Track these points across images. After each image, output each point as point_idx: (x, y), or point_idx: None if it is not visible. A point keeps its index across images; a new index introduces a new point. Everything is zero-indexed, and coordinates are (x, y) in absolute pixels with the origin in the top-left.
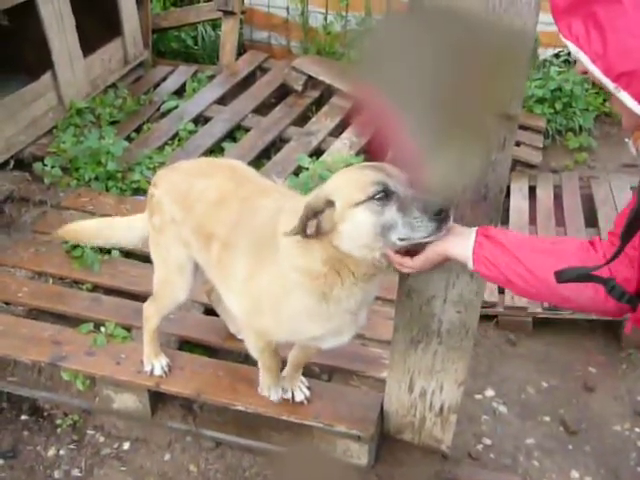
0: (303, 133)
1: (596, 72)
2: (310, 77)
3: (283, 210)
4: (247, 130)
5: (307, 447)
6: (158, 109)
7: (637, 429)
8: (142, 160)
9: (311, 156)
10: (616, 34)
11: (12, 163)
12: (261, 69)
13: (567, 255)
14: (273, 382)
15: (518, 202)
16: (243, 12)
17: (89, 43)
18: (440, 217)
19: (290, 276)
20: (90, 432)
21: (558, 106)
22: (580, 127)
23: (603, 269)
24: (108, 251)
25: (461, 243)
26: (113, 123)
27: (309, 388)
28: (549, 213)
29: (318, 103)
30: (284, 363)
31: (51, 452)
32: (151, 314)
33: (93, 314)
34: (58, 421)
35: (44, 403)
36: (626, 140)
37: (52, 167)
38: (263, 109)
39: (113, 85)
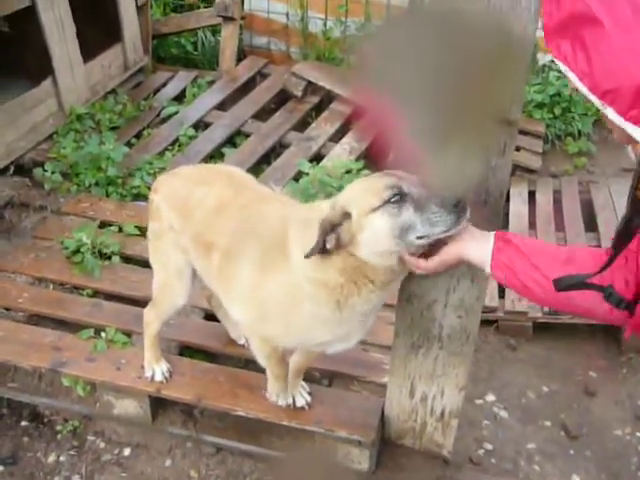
0: (303, 138)
1: (584, 90)
2: (310, 82)
3: (290, 219)
4: (247, 135)
5: (308, 453)
6: (158, 115)
7: (638, 433)
8: (142, 166)
9: (311, 161)
10: (600, 55)
11: (12, 169)
12: (261, 75)
13: (583, 263)
14: (281, 389)
15: (518, 207)
16: (243, 18)
17: (89, 49)
18: (458, 209)
19: (303, 286)
20: (90, 438)
21: (557, 111)
22: (579, 132)
23: (605, 276)
24: (108, 257)
25: (478, 246)
26: (113, 129)
27: (310, 393)
28: (549, 218)
29: (318, 108)
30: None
31: (51, 458)
32: (151, 319)
33: (93, 320)
34: (58, 427)
35: (44, 409)
36: (625, 145)
37: (52, 173)
38: (263, 114)
39: (113, 91)
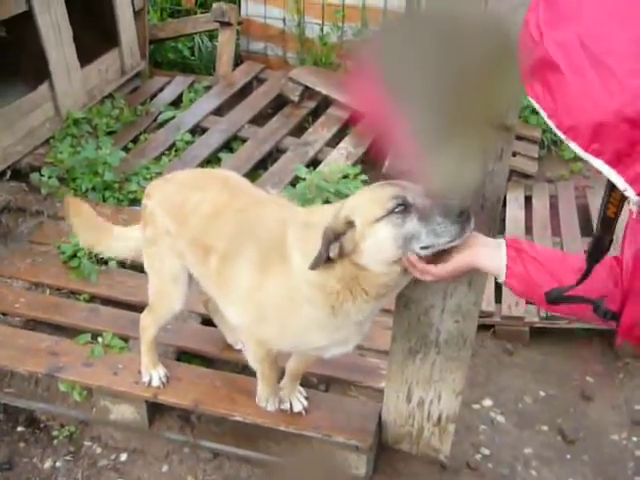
0: (300, 143)
1: (552, 125)
2: (307, 88)
3: (289, 222)
4: (244, 141)
5: (305, 458)
6: (155, 119)
7: (634, 438)
8: (139, 170)
9: (308, 166)
10: (561, 97)
11: (9, 173)
12: (258, 80)
13: (597, 272)
14: (271, 393)
15: (514, 212)
16: (240, 23)
17: (86, 54)
18: (462, 218)
19: (301, 289)
20: (87, 443)
21: None
22: None
23: (596, 289)
24: (105, 262)
25: (491, 255)
26: (110, 133)
27: (307, 398)
28: (545, 222)
29: (315, 114)
30: (282, 373)
31: (47, 464)
32: (148, 324)
33: (90, 325)
34: (55, 432)
35: (41, 414)
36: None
37: (49, 177)
38: (260, 120)
39: (110, 95)
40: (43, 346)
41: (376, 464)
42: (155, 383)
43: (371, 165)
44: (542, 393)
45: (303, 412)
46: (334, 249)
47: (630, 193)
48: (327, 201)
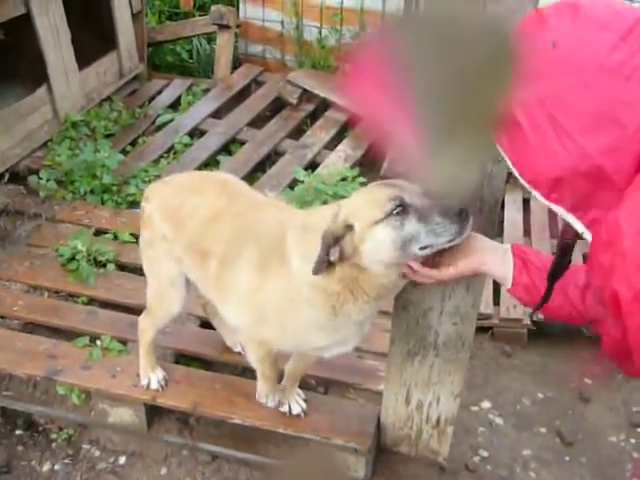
0: (298, 146)
1: (516, 174)
2: (305, 90)
3: (288, 224)
4: (242, 143)
5: (304, 460)
6: (153, 122)
7: (633, 440)
8: (138, 173)
9: (306, 169)
10: (523, 151)
11: (7, 176)
12: (256, 82)
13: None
14: (271, 390)
15: (512, 214)
16: (238, 26)
17: (84, 56)
18: (461, 217)
19: (301, 290)
20: (85, 446)
21: None
22: None
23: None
24: (103, 264)
25: (497, 262)
26: (108, 136)
27: (306, 401)
28: (543, 225)
29: (313, 116)
30: (282, 374)
31: (46, 467)
32: (146, 327)
33: (89, 327)
34: (53, 435)
35: (39, 417)
36: None
37: (47, 180)
38: (258, 122)
39: (108, 98)
40: (41, 349)
41: (375, 466)
42: (154, 386)
43: (369, 167)
44: (540, 395)
45: (302, 414)
46: (334, 253)
47: (587, 235)
48: (325, 203)
